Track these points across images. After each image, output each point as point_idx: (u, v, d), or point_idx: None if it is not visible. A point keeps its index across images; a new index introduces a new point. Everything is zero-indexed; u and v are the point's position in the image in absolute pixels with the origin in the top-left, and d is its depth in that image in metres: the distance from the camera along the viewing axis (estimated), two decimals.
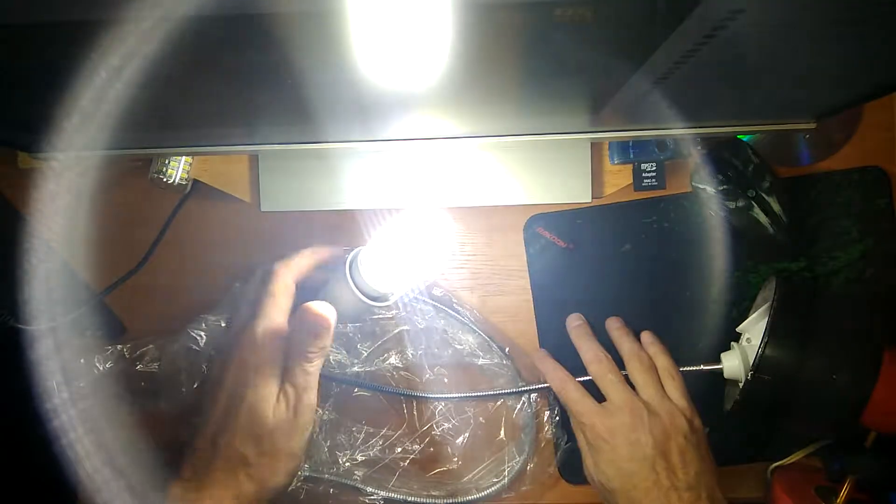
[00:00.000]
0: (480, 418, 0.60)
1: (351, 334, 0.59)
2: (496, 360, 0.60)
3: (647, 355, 0.55)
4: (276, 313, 0.48)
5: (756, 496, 0.61)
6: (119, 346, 0.59)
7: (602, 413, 0.52)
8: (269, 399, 0.45)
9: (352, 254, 0.48)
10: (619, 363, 0.56)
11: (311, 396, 0.48)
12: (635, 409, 0.51)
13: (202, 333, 0.57)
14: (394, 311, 0.59)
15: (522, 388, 0.59)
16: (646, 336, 0.57)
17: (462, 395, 0.59)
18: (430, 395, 0.59)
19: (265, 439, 0.46)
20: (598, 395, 0.54)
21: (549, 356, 0.58)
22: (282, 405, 0.46)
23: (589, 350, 0.56)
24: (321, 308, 0.46)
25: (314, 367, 0.47)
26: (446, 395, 0.59)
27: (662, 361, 0.55)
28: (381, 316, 0.59)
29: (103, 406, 0.60)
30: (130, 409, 0.59)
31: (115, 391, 0.59)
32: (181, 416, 0.55)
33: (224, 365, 0.48)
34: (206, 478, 0.45)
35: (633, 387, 0.54)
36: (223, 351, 0.49)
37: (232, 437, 0.45)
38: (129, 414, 0.59)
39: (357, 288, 0.47)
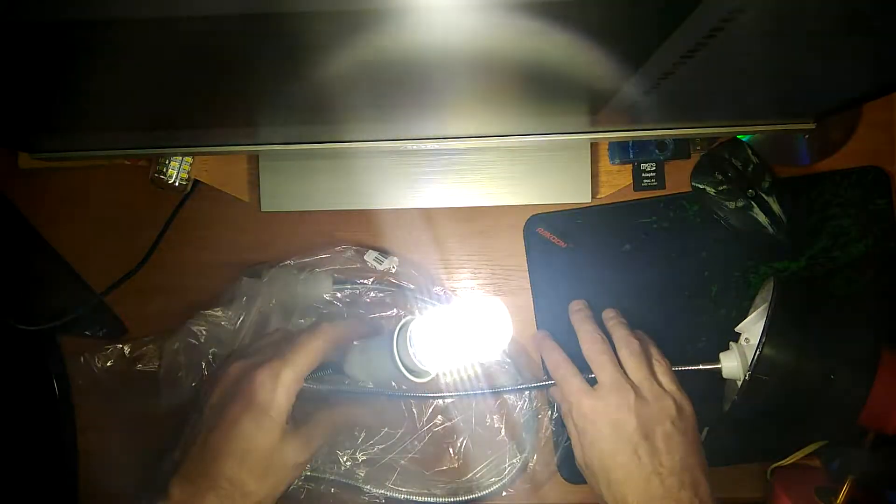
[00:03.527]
0: (481, 417, 0.60)
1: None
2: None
3: (638, 341, 0.54)
4: (303, 365, 0.47)
5: (756, 496, 0.61)
6: (119, 346, 0.59)
7: (589, 393, 0.51)
8: (275, 438, 0.44)
9: (401, 323, 0.48)
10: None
11: (318, 444, 0.49)
12: (622, 391, 0.50)
13: (202, 329, 0.57)
14: (393, 311, 0.60)
15: (522, 386, 0.59)
16: (635, 331, 0.56)
17: (462, 392, 0.59)
18: (430, 395, 0.59)
19: (266, 475, 0.45)
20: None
21: (549, 336, 0.58)
22: (288, 446, 0.45)
23: (587, 331, 0.55)
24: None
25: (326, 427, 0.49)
26: (446, 394, 0.59)
27: (650, 348, 0.54)
28: (381, 314, 0.60)
29: (104, 405, 0.60)
30: (131, 409, 0.59)
31: (116, 391, 0.59)
32: (181, 416, 0.55)
33: (231, 396, 0.46)
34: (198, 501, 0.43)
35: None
36: (226, 378, 0.47)
37: (236, 468, 0.44)
38: (129, 413, 0.60)
39: (401, 360, 0.47)
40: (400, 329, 0.47)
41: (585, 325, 0.56)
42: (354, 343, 0.52)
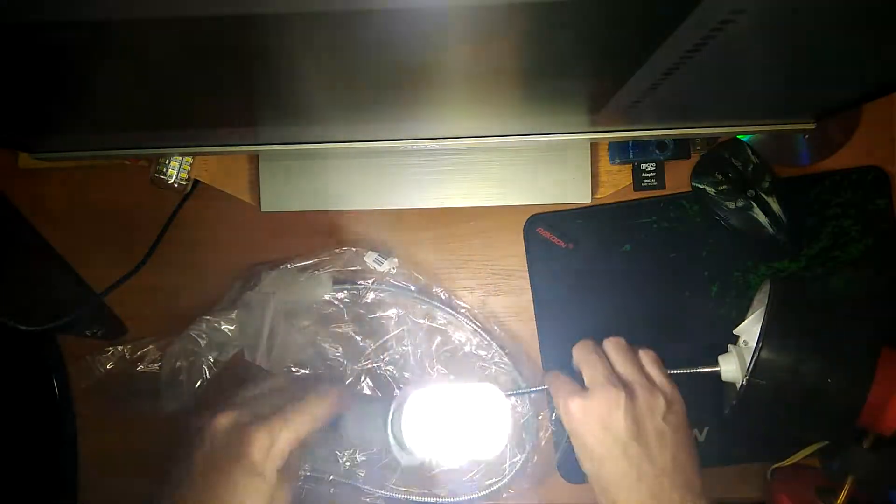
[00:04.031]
0: None
1: (352, 333, 0.59)
2: (496, 360, 0.60)
3: (623, 338, 0.53)
4: (304, 429, 0.45)
5: (756, 496, 0.61)
6: (120, 347, 0.59)
7: (579, 395, 0.49)
8: (265, 497, 0.44)
9: (397, 399, 0.47)
10: None
11: (296, 477, 0.49)
12: (612, 391, 0.48)
13: (203, 335, 0.57)
14: (393, 310, 0.60)
15: (522, 391, 0.59)
16: None
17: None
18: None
19: None
20: None
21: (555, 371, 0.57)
22: (276, 498, 0.44)
23: (580, 341, 0.54)
24: None
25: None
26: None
27: (637, 346, 0.53)
28: (381, 315, 0.60)
29: (105, 408, 0.60)
30: (131, 411, 0.59)
31: (117, 393, 0.59)
32: (181, 417, 0.55)
33: (223, 448, 0.44)
34: None
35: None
36: (216, 428, 0.45)
37: None
38: (130, 416, 0.60)
39: (394, 436, 0.46)
40: (396, 406, 0.47)
41: (579, 340, 0.55)
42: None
